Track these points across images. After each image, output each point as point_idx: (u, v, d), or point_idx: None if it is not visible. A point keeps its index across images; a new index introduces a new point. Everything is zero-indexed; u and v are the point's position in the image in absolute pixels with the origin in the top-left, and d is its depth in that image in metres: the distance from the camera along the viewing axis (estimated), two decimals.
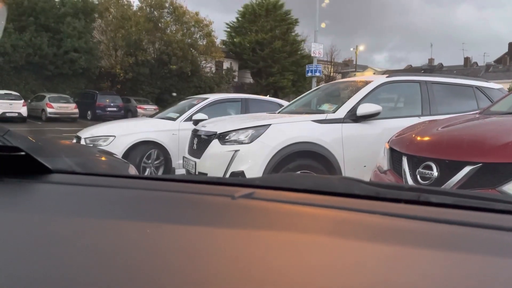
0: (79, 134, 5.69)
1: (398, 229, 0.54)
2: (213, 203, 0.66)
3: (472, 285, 0.38)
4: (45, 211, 0.61)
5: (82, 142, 5.39)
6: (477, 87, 4.66)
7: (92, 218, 0.58)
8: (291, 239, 0.50)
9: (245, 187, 0.71)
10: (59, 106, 18.86)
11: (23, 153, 0.73)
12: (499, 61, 44.57)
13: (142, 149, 5.49)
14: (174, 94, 24.21)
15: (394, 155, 2.54)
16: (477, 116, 2.85)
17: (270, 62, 28.26)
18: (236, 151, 3.67)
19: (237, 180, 0.74)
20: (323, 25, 18.83)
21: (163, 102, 22.89)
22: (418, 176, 2.19)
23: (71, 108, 19.30)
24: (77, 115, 19.49)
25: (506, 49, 46.42)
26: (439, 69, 41.71)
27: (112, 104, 20.95)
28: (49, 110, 18.62)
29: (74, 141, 5.54)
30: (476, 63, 46.52)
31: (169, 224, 0.56)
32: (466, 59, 46.50)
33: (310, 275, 0.41)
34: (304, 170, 3.67)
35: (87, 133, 5.62)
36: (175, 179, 0.83)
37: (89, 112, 20.69)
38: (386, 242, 0.49)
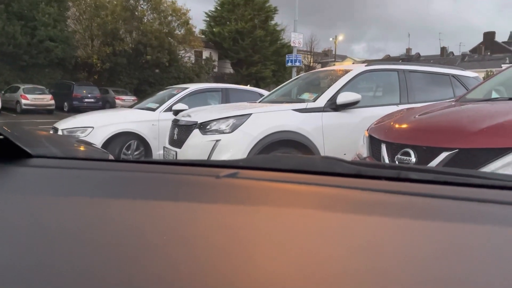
0: (56, 125, 5.57)
1: (379, 202, 0.56)
2: (198, 183, 0.66)
3: (448, 250, 0.41)
4: (26, 193, 0.60)
5: (60, 133, 5.28)
6: (453, 76, 4.76)
7: (76, 198, 0.58)
8: (276, 212, 0.52)
9: (229, 168, 0.72)
10: (34, 97, 18.38)
11: (1, 137, 0.71)
12: (474, 50, 45.54)
13: (122, 140, 5.41)
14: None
15: (373, 143, 2.58)
16: (453, 103, 2.91)
17: (251, 52, 28.13)
18: (217, 140, 3.66)
19: (221, 162, 0.74)
20: None
21: (141, 92, 22.56)
22: (397, 163, 2.24)
23: (47, 99, 18.82)
24: (53, 107, 19.03)
25: (481, 39, 47.44)
26: (416, 59, 42.33)
27: (89, 95, 20.52)
28: (24, 101, 18.12)
29: (51, 132, 5.42)
30: (452, 52, 47.43)
31: (153, 201, 0.57)
32: (443, 49, 47.36)
33: (295, 244, 0.42)
34: None
35: (65, 124, 5.51)
36: (158, 161, 0.84)
37: (65, 104, 20.23)
38: (367, 214, 0.52)
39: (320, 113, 3.92)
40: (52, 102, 18.96)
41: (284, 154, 3.27)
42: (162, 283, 0.34)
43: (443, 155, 2.00)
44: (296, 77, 5.67)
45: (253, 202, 0.56)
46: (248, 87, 7.52)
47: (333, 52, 43.55)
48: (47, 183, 0.67)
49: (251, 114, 3.77)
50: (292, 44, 16.85)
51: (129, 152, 5.48)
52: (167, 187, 0.65)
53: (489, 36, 46.88)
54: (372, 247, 0.42)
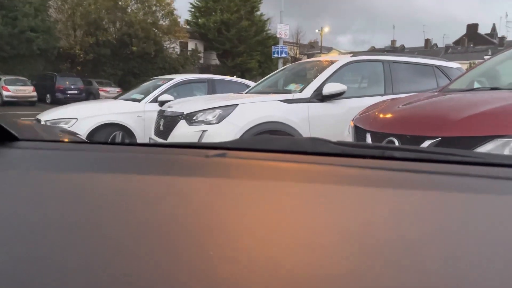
0: (39, 117, 5.48)
1: (364, 176, 0.59)
2: (187, 162, 0.67)
3: (429, 218, 0.44)
4: (13, 174, 0.60)
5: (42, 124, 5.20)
6: (437, 66, 4.83)
7: (64, 177, 0.58)
8: (266, 186, 0.53)
9: (218, 149, 0.73)
10: (16, 89, 18.01)
11: None
12: (457, 42, 46.10)
13: (106, 131, 5.35)
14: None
15: (359, 132, 2.61)
16: (436, 93, 2.96)
17: (236, 43, 27.97)
18: (203, 131, 3.66)
19: (210, 143, 0.75)
20: None
21: (126, 84, 22.25)
22: None
23: (29, 91, 18.47)
24: (36, 99, 18.69)
25: (464, 31, 48.02)
26: (401, 51, 42.64)
27: (72, 87, 20.19)
28: (5, 93, 17.75)
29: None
30: (436, 44, 47.94)
31: (143, 179, 0.57)
32: (427, 41, 47.82)
33: (286, 216, 0.44)
34: None
35: (48, 115, 5.42)
36: (147, 144, 0.84)
37: (48, 95, 19.87)
38: (353, 186, 0.54)
39: (307, 103, 3.94)
40: (34, 93, 18.61)
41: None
42: (154, 260, 0.34)
43: (427, 143, 2.04)
44: (282, 68, 5.67)
45: (243, 178, 0.58)
46: (234, 78, 7.49)
47: (319, 44, 43.62)
48: (35, 163, 0.67)
49: (237, 104, 3.77)
50: (278, 35, 16.80)
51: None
52: (157, 166, 0.66)
53: (472, 28, 47.48)
54: (357, 216, 0.44)
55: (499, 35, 46.57)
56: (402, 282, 0.31)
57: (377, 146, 0.71)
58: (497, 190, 0.55)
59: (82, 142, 0.96)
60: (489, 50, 37.50)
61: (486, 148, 1.86)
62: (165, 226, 0.41)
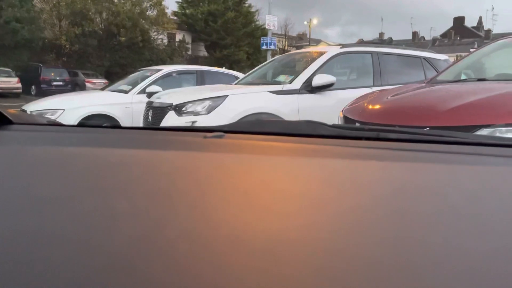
0: (25, 107, 5.41)
1: (359, 155, 0.61)
2: (185, 142, 0.67)
3: (422, 192, 0.47)
4: (9, 156, 0.60)
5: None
6: (424, 58, 4.88)
7: (61, 159, 0.58)
8: (264, 162, 0.55)
9: (214, 131, 0.74)
10: (0, 80, 17.68)
11: None
12: (444, 35, 46.48)
13: (93, 123, 5.30)
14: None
15: (348, 123, 2.63)
16: (424, 85, 3.00)
17: (223, 34, 27.78)
18: (193, 122, 3.65)
19: (207, 127, 0.76)
20: None
21: (113, 75, 21.97)
22: None
23: (13, 82, 18.13)
24: (20, 90, 18.35)
25: (451, 24, 48.42)
26: (389, 43, 42.87)
27: (58, 78, 19.88)
28: None
29: None
30: (423, 37, 48.28)
31: (141, 160, 0.57)
32: (414, 34, 48.11)
33: (286, 192, 0.45)
34: None
35: (34, 106, 5.35)
36: (142, 127, 0.84)
37: (33, 87, 19.53)
38: (349, 163, 0.56)
39: (296, 95, 3.95)
40: (19, 85, 18.28)
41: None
42: (152, 240, 0.34)
43: None
44: (272, 59, 5.67)
45: (240, 154, 0.59)
46: (223, 70, 7.45)
47: (308, 36, 43.58)
48: (30, 146, 0.66)
49: (227, 96, 3.76)
50: (267, 27, 16.74)
51: None
52: (154, 145, 0.66)
53: (459, 21, 47.90)
54: (353, 191, 0.45)
55: (485, 28, 47.08)
56: (400, 257, 0.32)
57: (372, 128, 0.73)
58: (483, 165, 0.61)
59: (78, 125, 0.95)
60: (475, 42, 37.90)
61: None
62: (165, 199, 0.41)
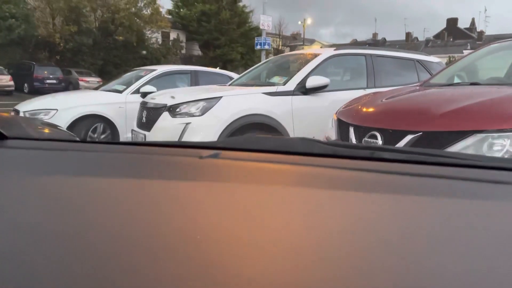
0: (18, 107, 5.36)
1: (354, 180, 0.60)
2: (180, 163, 0.67)
3: (417, 223, 0.45)
4: (3, 174, 0.60)
5: (21, 115, 5.08)
6: (418, 61, 4.90)
7: (54, 178, 0.58)
8: (260, 190, 0.54)
9: (210, 149, 0.73)
10: None
11: None
12: (437, 36, 46.74)
13: (87, 123, 5.27)
14: (144, 52, 22.55)
15: (342, 126, 2.64)
16: (418, 88, 3.01)
17: (216, 34, 27.71)
18: (187, 123, 3.64)
19: (201, 143, 0.75)
20: None
21: (107, 74, 21.84)
22: None
23: (5, 80, 17.95)
24: (13, 88, 18.19)
25: (444, 25, 48.70)
26: (382, 44, 43.04)
27: (51, 76, 19.73)
28: None
29: (13, 114, 5.21)
30: (416, 38, 48.50)
31: (137, 181, 0.57)
32: (408, 34, 48.31)
33: (278, 221, 0.45)
34: None
35: (27, 106, 5.31)
36: (137, 143, 0.84)
37: (26, 85, 19.37)
38: (344, 190, 0.55)
39: (290, 96, 3.95)
40: (12, 83, 18.12)
41: (263, 135, 3.30)
42: (146, 262, 0.35)
43: (408, 137, 2.08)
44: (266, 60, 5.67)
45: (236, 181, 0.58)
46: (217, 70, 7.44)
47: (302, 36, 43.63)
48: (24, 164, 0.66)
49: (221, 97, 3.76)
50: (261, 27, 16.73)
51: (95, 135, 5.35)
52: (150, 168, 0.66)
53: (452, 22, 48.18)
54: (348, 221, 0.45)
55: (478, 29, 47.38)
56: (393, 283, 0.32)
57: (366, 146, 0.72)
58: (484, 193, 0.55)
59: (71, 141, 0.94)
60: (468, 44, 38.16)
61: (465, 143, 1.91)
62: (159, 230, 0.41)
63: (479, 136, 1.89)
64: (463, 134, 1.93)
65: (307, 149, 0.71)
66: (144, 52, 23.78)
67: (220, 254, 0.36)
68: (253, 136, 3.11)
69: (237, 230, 0.42)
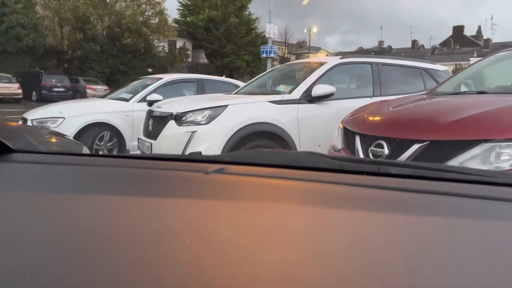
0: (25, 115, 5.41)
1: (361, 197, 0.59)
2: (187, 178, 0.67)
3: (426, 242, 0.44)
4: (10, 189, 0.60)
5: (29, 124, 5.12)
6: (424, 69, 4.89)
7: (61, 194, 0.58)
8: (265, 207, 0.53)
9: (215, 163, 0.73)
10: (1, 86, 17.71)
11: None
12: (444, 44, 46.66)
13: (94, 131, 5.31)
14: (150, 70, 23.23)
15: (348, 134, 2.63)
16: (424, 96, 3.00)
17: (224, 42, 27.86)
18: (193, 132, 3.65)
19: (207, 157, 0.75)
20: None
21: (114, 82, 22.03)
22: (370, 154, 2.29)
23: (14, 88, 18.17)
24: (21, 96, 18.39)
25: (450, 33, 48.62)
26: (388, 52, 43.07)
27: (59, 84, 19.94)
28: None
29: (20, 123, 5.25)
30: (423, 45, 48.48)
31: (144, 197, 0.57)
32: (414, 42, 48.32)
33: (284, 239, 0.44)
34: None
35: (34, 114, 5.35)
36: (144, 157, 0.84)
37: (34, 93, 19.59)
38: (351, 208, 0.54)
39: (296, 105, 3.95)
40: (20, 91, 18.32)
41: (269, 150, 3.30)
42: (152, 281, 0.34)
43: (415, 147, 2.07)
44: (272, 68, 5.68)
45: (242, 197, 0.58)
46: (223, 78, 7.47)
47: (307, 44, 43.73)
48: (31, 178, 0.66)
49: (227, 105, 3.77)
50: (267, 35, 16.80)
51: (102, 143, 5.38)
52: (156, 184, 0.66)
53: (458, 30, 48.09)
54: (356, 240, 0.44)
55: (485, 37, 47.26)
56: None
57: (372, 161, 0.72)
58: (494, 212, 0.53)
59: (77, 154, 0.95)
60: (475, 51, 38.05)
61: (472, 152, 1.89)
62: (165, 250, 0.41)
63: (486, 145, 1.87)
64: (470, 144, 1.91)
65: (313, 164, 0.71)
66: (150, 70, 23.95)
67: (228, 275, 0.36)
68: (259, 150, 3.11)
69: (243, 249, 0.42)
